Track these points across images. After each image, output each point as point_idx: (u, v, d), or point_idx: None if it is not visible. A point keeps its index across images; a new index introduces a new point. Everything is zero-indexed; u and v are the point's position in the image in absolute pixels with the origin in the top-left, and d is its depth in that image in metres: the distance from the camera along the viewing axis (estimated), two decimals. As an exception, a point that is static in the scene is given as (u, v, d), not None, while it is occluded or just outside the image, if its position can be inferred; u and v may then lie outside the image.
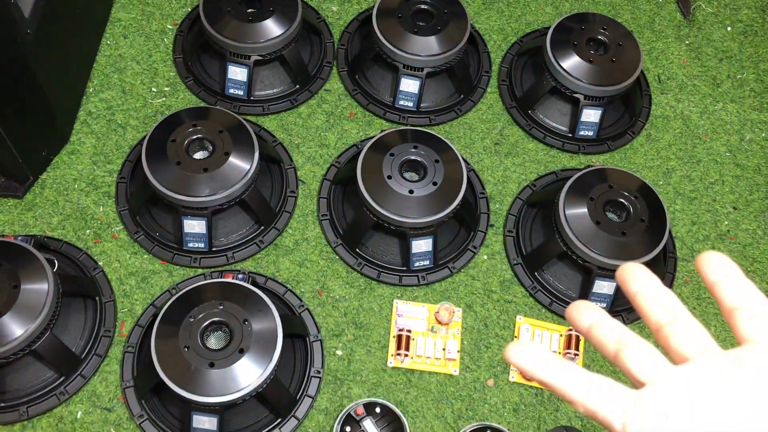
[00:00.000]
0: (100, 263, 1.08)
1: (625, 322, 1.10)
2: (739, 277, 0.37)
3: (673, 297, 0.37)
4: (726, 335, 1.11)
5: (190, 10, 1.32)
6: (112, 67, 1.25)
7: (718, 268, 0.37)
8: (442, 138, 1.12)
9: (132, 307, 1.05)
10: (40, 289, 0.93)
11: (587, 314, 0.37)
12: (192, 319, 0.93)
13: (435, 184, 1.07)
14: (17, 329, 0.90)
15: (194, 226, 1.06)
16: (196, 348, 0.91)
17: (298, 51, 1.23)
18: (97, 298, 1.04)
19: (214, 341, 0.95)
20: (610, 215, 1.09)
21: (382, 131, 1.13)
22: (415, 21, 1.21)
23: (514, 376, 1.05)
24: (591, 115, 1.23)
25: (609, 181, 1.10)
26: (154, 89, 1.24)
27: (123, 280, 1.07)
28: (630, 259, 1.03)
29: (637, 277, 0.37)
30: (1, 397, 0.95)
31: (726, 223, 1.22)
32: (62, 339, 0.97)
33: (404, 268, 1.11)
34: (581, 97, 1.21)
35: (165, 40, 1.28)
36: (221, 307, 0.94)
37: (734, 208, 1.23)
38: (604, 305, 1.09)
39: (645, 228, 1.06)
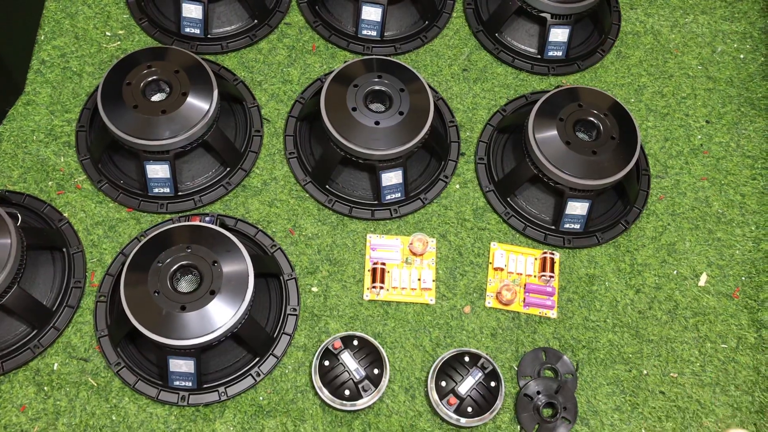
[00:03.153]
0: (65, 214, 1.06)
1: (599, 242, 1.10)
2: None
3: None
4: (700, 249, 1.11)
5: (139, -53, 1.26)
6: (63, 12, 1.20)
7: None
8: (408, 66, 1.09)
9: (101, 256, 1.04)
10: (2, 243, 0.91)
11: None
12: (160, 264, 0.92)
13: (401, 113, 1.04)
14: (-18, 285, 0.89)
15: (157, 171, 1.03)
16: (167, 292, 0.90)
17: (254, -16, 1.18)
18: (64, 250, 1.02)
19: (184, 285, 0.94)
20: (581, 135, 1.08)
21: (345, 62, 1.10)
22: (373, -55, 1.17)
23: (490, 302, 1.05)
24: (559, 35, 1.20)
25: (579, 101, 1.08)
26: (108, 33, 1.19)
27: (90, 230, 1.05)
28: (601, 178, 1.02)
29: None
30: (-26, 354, 0.95)
31: (699, 137, 1.20)
32: (32, 292, 0.96)
33: (376, 202, 1.09)
34: (548, 17, 1.18)
35: (115, -20, 1.23)
36: (189, 251, 0.93)
37: (707, 122, 1.22)
38: (578, 226, 1.09)
39: (616, 146, 1.05)
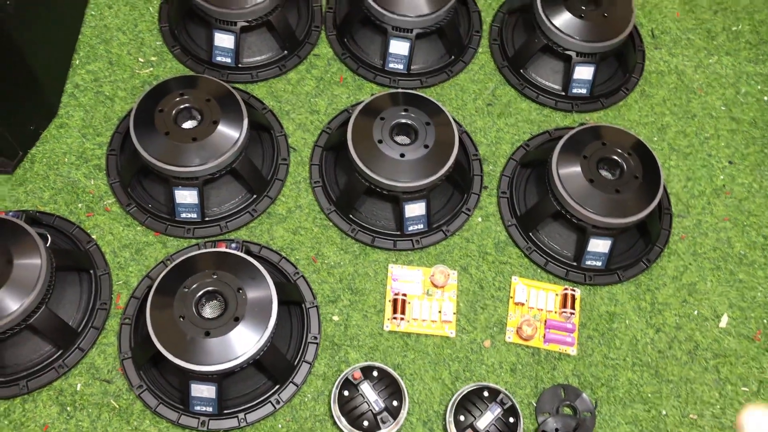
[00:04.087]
0: (94, 236, 1.07)
1: (620, 280, 1.10)
2: None
3: None
4: (722, 290, 1.11)
5: (174, -23, 1.29)
6: (98, 38, 1.23)
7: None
8: (433, 100, 1.11)
9: (127, 279, 1.05)
10: (33, 264, 0.93)
11: None
12: (186, 289, 0.93)
13: (426, 146, 1.06)
14: (12, 304, 0.90)
15: (186, 196, 1.05)
16: (192, 318, 0.91)
17: (284, 16, 1.21)
18: (91, 272, 1.04)
19: (209, 311, 0.96)
20: (604, 173, 1.09)
21: (372, 95, 1.12)
22: (403, -19, 1.19)
23: (510, 337, 1.05)
24: (584, 73, 1.21)
25: (602, 139, 1.09)
26: (141, 59, 1.22)
27: (117, 253, 1.07)
28: (623, 217, 1.03)
29: None
30: (0, 372, 0.96)
31: (722, 177, 1.21)
32: (58, 313, 0.97)
33: (398, 233, 1.10)
34: (573, 54, 1.20)
35: (150, 8, 1.26)
36: (215, 277, 0.94)
37: (730, 163, 1.22)
38: (600, 263, 1.09)
39: (639, 185, 1.05)
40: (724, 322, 1.09)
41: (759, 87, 1.30)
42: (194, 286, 0.93)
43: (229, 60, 1.20)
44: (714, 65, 1.31)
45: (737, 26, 1.35)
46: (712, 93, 1.28)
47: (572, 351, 1.05)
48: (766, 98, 1.29)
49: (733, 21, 1.36)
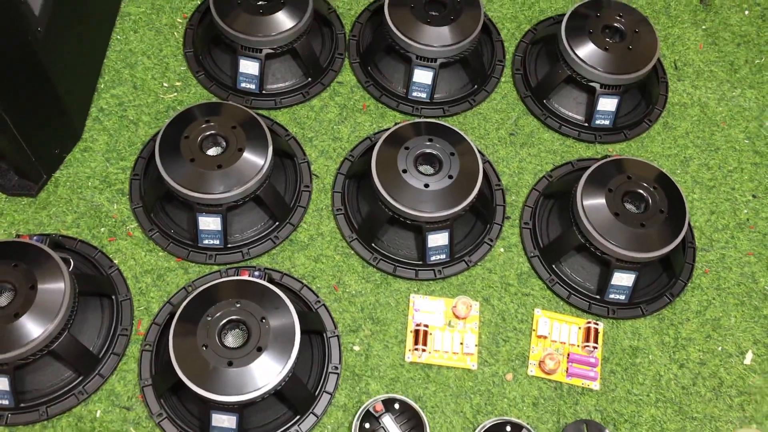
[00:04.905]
0: (116, 261, 1.07)
1: (643, 314, 1.09)
2: None
3: None
4: (746, 326, 1.10)
5: (199, 2, 1.30)
6: (123, 62, 1.24)
7: None
8: (457, 130, 1.10)
9: (148, 305, 1.05)
10: (56, 289, 0.93)
11: None
12: (209, 318, 0.93)
13: (451, 177, 1.05)
14: (35, 330, 0.90)
15: (209, 223, 1.05)
16: (214, 347, 0.91)
17: (309, 43, 1.21)
18: (113, 297, 1.03)
19: (231, 339, 0.95)
20: (629, 206, 1.08)
21: (395, 124, 1.12)
22: (428, 11, 1.20)
23: (533, 370, 1.04)
24: (607, 104, 1.21)
25: (627, 172, 1.08)
26: (165, 84, 1.23)
27: (139, 278, 1.07)
28: (648, 251, 1.02)
29: None
30: (21, 398, 0.95)
31: (745, 211, 1.20)
32: (79, 338, 0.97)
33: (420, 262, 1.10)
34: (597, 86, 1.19)
35: (175, 34, 1.27)
36: (238, 305, 0.94)
37: (753, 197, 1.21)
38: (623, 297, 1.08)
39: (664, 219, 1.05)
40: (748, 358, 1.08)
41: (782, 120, 1.29)
42: (218, 314, 0.93)
43: (253, 86, 1.20)
44: (737, 98, 1.31)
45: (760, 59, 1.35)
46: (735, 126, 1.28)
47: (595, 386, 1.04)
48: (789, 132, 1.28)
49: (756, 54, 1.36)
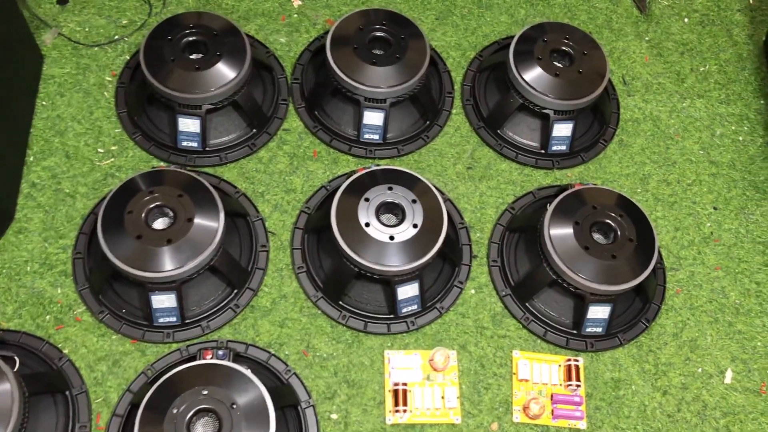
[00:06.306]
0: (66, 351, 0.99)
1: (621, 343, 1.07)
2: None
3: None
4: (722, 343, 1.09)
5: (128, 58, 1.22)
6: (52, 130, 1.15)
7: None
8: (416, 174, 1.06)
9: (106, 395, 0.98)
10: (2, 394, 0.85)
11: None
12: (176, 411, 0.86)
13: (416, 226, 1.01)
14: (-17, 448, 0.82)
15: (163, 300, 0.98)
16: (184, 442, 0.84)
17: (251, 93, 1.15)
18: (67, 392, 0.96)
19: (201, 430, 0.89)
20: (597, 237, 1.06)
21: (351, 173, 1.07)
22: (372, 50, 1.15)
23: (518, 417, 1.01)
24: (562, 130, 1.19)
25: (591, 202, 1.06)
26: (100, 150, 1.15)
27: (93, 367, 0.99)
28: (622, 282, 1.00)
29: None
30: None
31: (708, 224, 1.19)
32: (34, 445, 0.89)
33: (392, 315, 1.05)
34: (551, 113, 1.17)
35: (105, 94, 1.19)
36: (205, 393, 0.87)
37: (714, 209, 1.21)
38: (600, 329, 1.06)
39: (634, 248, 1.03)
40: (728, 377, 1.07)
41: (733, 128, 1.29)
42: (183, 406, 0.86)
43: (195, 144, 1.14)
44: (687, 108, 1.30)
45: (704, 66, 1.35)
46: (689, 137, 1.28)
47: (582, 425, 1.01)
48: (741, 138, 1.28)
49: (700, 61, 1.36)
